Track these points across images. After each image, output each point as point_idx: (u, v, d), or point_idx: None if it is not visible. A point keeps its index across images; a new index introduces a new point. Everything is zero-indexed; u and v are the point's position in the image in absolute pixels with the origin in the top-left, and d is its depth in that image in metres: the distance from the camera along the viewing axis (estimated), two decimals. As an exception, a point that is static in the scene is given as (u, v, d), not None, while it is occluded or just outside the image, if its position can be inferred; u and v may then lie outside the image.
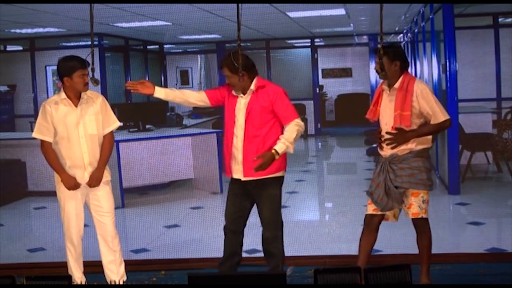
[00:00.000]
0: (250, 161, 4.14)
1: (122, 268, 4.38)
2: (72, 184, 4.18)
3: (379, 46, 4.04)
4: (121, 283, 4.34)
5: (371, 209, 4.15)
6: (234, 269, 4.43)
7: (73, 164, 4.19)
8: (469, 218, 6.46)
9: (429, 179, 4.08)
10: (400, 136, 4.01)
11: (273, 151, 4.02)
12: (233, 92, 4.24)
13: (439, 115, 3.99)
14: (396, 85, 4.03)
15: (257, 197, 4.29)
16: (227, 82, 4.20)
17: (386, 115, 4.08)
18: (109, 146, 4.33)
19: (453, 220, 6.75)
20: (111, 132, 4.36)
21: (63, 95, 4.18)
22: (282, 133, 4.18)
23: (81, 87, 4.14)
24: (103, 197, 4.28)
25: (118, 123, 4.41)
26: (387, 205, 4.06)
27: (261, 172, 4.12)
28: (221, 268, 4.47)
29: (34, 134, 4.23)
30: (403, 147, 4.03)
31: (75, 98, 4.19)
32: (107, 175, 4.32)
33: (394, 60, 4.02)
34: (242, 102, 4.21)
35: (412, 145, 4.03)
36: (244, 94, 4.21)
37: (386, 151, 4.09)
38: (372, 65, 13.91)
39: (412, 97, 3.96)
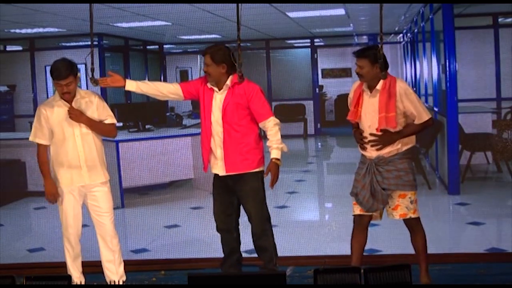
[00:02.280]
0: (230, 156, 4.17)
1: (121, 268, 4.38)
2: (52, 192, 4.21)
3: (379, 45, 4.04)
4: (121, 283, 4.34)
5: (357, 209, 4.17)
6: (235, 267, 4.44)
7: (69, 164, 4.20)
8: (469, 218, 6.46)
9: (415, 180, 4.10)
10: (386, 138, 4.01)
11: (275, 161, 4.12)
12: (208, 85, 4.22)
13: (423, 114, 4.01)
14: (378, 86, 4.02)
15: (239, 193, 4.28)
16: (205, 69, 4.17)
17: (369, 117, 4.07)
18: (108, 126, 4.29)
19: (453, 220, 6.75)
20: (113, 124, 4.34)
21: (57, 97, 4.20)
22: (258, 127, 4.24)
23: (60, 94, 4.15)
24: (101, 197, 4.29)
25: (112, 120, 4.31)
26: (373, 207, 4.08)
27: (242, 167, 4.18)
28: (223, 268, 4.48)
29: (30, 138, 4.27)
30: (389, 148, 4.03)
31: (70, 100, 4.18)
32: (105, 175, 4.32)
33: (375, 63, 3.99)
34: (218, 98, 4.19)
35: (398, 146, 4.04)
36: (219, 88, 4.19)
37: (371, 153, 4.08)
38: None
39: (395, 97, 3.97)
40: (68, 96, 4.15)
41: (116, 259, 4.35)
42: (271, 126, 4.16)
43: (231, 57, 4.15)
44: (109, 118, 4.31)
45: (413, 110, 3.99)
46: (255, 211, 4.29)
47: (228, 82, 4.16)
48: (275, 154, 4.13)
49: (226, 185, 4.29)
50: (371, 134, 4.05)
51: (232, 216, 4.39)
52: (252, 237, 4.38)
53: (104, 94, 10.61)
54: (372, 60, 3.98)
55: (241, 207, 4.40)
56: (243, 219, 4.44)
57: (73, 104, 4.18)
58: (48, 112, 4.18)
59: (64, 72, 4.06)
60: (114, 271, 4.34)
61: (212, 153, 4.27)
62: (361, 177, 4.13)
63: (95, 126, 4.23)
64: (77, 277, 4.33)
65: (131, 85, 4.27)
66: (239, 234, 4.47)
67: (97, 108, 4.24)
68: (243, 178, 4.21)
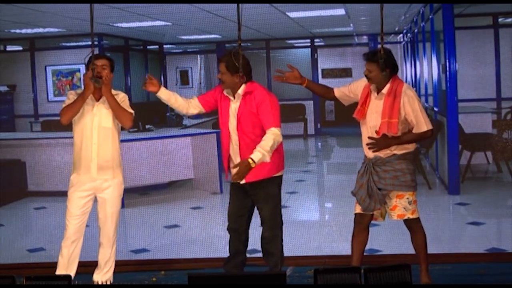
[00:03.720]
0: None
1: (107, 274, 4.39)
2: (89, 86, 4.15)
3: (379, 46, 4.05)
4: (108, 283, 4.36)
5: (358, 208, 4.19)
6: (238, 268, 4.45)
7: (82, 154, 4.23)
8: (469, 218, 6.47)
9: (413, 181, 4.10)
10: (382, 141, 4.02)
11: (249, 160, 3.96)
12: (224, 93, 4.26)
13: (422, 124, 4.00)
14: (384, 90, 4.03)
15: (256, 197, 4.30)
16: (219, 76, 4.21)
17: (372, 118, 4.09)
18: (127, 112, 4.26)
19: (453, 220, 6.75)
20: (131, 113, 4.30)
21: None
22: None
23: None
24: (109, 203, 4.31)
25: (131, 111, 4.29)
26: (369, 206, 4.10)
27: (261, 174, 4.16)
28: (226, 267, 4.48)
29: (63, 105, 4.26)
30: (387, 151, 4.05)
31: (99, 94, 4.24)
32: (114, 173, 4.31)
33: (384, 68, 4.01)
34: (233, 107, 4.23)
35: (395, 150, 4.05)
36: (234, 96, 4.22)
37: (369, 153, 4.11)
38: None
39: (399, 104, 3.97)
40: (97, 84, 4.16)
41: (104, 265, 4.37)
42: (268, 134, 4.06)
43: (248, 66, 4.17)
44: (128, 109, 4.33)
45: (413, 118, 3.99)
46: (268, 216, 4.31)
47: (240, 91, 4.18)
48: (254, 156, 3.96)
49: (243, 187, 4.31)
50: (368, 137, 4.07)
51: (244, 217, 4.41)
52: (262, 240, 4.40)
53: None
54: (381, 65, 4.00)
55: (253, 210, 4.43)
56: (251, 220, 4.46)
57: (101, 101, 4.24)
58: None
59: (102, 55, 4.22)
60: (98, 274, 4.38)
61: (231, 161, 4.30)
62: (360, 176, 4.16)
63: (117, 105, 4.19)
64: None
65: (164, 93, 4.33)
66: (248, 237, 4.48)
67: (119, 100, 4.28)
68: (260, 184, 4.23)
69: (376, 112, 4.06)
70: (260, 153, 3.98)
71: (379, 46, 4.04)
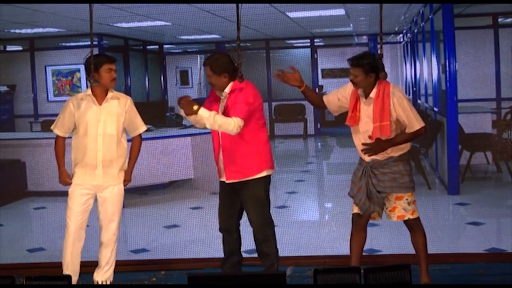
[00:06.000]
0: (231, 164, 4.19)
1: (108, 274, 4.38)
2: (63, 181, 4.31)
3: (379, 48, 4.05)
4: (108, 282, 4.36)
5: (356, 209, 4.20)
6: (236, 268, 4.45)
7: (85, 161, 4.22)
8: (468, 218, 6.47)
9: (411, 181, 4.10)
10: (377, 146, 4.02)
11: (199, 112, 3.91)
12: (216, 94, 4.25)
13: (414, 123, 3.99)
14: (372, 94, 4.03)
15: (242, 198, 4.30)
16: (208, 80, 4.21)
17: (364, 123, 4.09)
18: (137, 148, 4.47)
19: (453, 220, 6.75)
20: (139, 135, 4.44)
21: (89, 91, 4.23)
22: (263, 134, 4.23)
23: (108, 81, 4.16)
24: (109, 200, 4.31)
25: (144, 127, 4.44)
26: (369, 209, 4.11)
27: (243, 174, 4.18)
28: (223, 268, 4.48)
29: (51, 127, 4.35)
30: (383, 154, 4.05)
31: (101, 96, 4.21)
32: (119, 179, 4.33)
33: (369, 72, 4.00)
34: (221, 106, 4.21)
35: (391, 153, 4.05)
36: (223, 96, 4.20)
37: (366, 156, 4.11)
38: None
39: (389, 105, 3.97)
40: (114, 84, 4.19)
41: (104, 264, 4.36)
42: (230, 118, 3.99)
43: (232, 64, 4.14)
44: (139, 128, 4.41)
45: (405, 118, 3.98)
46: (256, 218, 4.30)
47: (227, 89, 4.16)
48: (203, 110, 3.93)
49: (231, 187, 4.31)
50: (362, 144, 4.07)
51: (233, 217, 4.40)
52: (255, 241, 4.39)
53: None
54: (367, 69, 3.99)
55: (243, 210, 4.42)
56: (245, 219, 4.44)
57: (104, 105, 4.20)
58: (76, 106, 4.22)
59: (113, 58, 4.22)
60: (99, 274, 4.37)
61: (219, 160, 4.30)
62: (358, 179, 4.16)
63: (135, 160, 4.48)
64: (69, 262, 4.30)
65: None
66: (240, 235, 4.48)
67: (126, 113, 4.29)
68: (246, 184, 4.23)
69: (367, 117, 4.06)
70: (209, 115, 3.93)
71: (379, 46, 4.04)
